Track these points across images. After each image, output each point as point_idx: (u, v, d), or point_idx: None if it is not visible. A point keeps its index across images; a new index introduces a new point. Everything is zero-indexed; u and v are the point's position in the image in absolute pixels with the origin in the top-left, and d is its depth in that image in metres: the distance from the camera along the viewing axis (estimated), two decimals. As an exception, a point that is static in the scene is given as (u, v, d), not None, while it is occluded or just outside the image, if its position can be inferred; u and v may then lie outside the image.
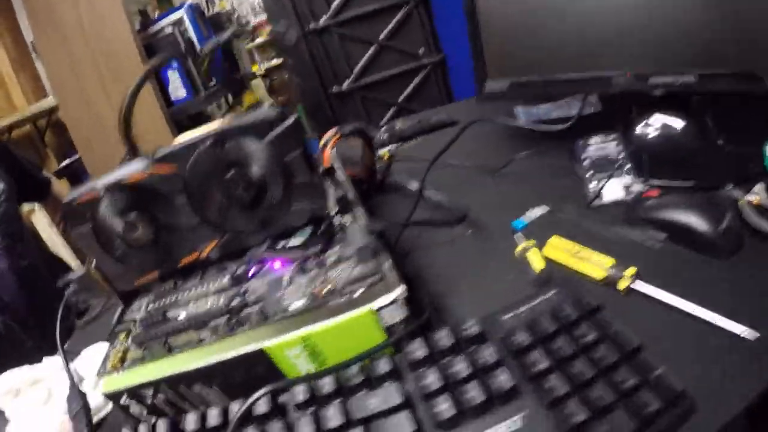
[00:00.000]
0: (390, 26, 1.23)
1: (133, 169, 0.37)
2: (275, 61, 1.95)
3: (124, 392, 0.35)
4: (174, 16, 1.65)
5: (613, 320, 0.32)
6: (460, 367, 0.31)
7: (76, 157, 1.94)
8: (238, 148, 0.36)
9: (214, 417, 0.33)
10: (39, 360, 0.54)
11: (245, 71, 1.98)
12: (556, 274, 0.37)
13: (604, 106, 0.58)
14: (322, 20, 1.20)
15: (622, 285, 0.35)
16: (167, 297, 0.39)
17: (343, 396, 0.32)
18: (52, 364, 0.49)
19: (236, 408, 0.33)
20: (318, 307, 0.33)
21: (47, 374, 0.48)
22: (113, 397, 0.36)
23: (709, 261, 0.37)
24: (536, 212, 0.44)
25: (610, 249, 0.37)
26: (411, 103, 1.31)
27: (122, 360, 0.37)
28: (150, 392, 0.35)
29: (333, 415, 0.31)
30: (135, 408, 0.36)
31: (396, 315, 0.32)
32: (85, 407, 0.37)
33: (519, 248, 0.41)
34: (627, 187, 0.43)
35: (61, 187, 1.10)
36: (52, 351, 0.70)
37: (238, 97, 1.92)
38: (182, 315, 0.37)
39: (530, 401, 0.29)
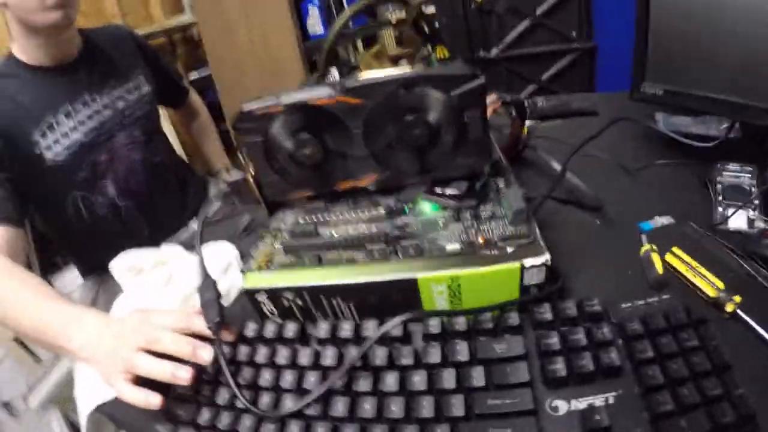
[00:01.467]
0: (549, 3, 1.23)
1: (320, 93, 0.43)
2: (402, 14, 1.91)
3: (265, 291, 0.44)
4: None
5: (717, 335, 0.40)
6: (579, 336, 0.39)
7: (207, 73, 2.13)
8: (423, 95, 0.41)
9: (346, 330, 0.42)
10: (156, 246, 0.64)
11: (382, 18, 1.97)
12: (673, 280, 0.44)
13: (746, 135, 0.62)
14: None
15: (729, 308, 0.42)
16: (318, 214, 0.47)
17: (471, 337, 0.41)
18: (174, 250, 0.58)
19: (371, 326, 0.42)
20: (471, 254, 0.41)
21: (169, 259, 0.57)
22: (252, 293, 0.44)
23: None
24: (662, 220, 0.50)
25: (722, 274, 0.44)
26: (553, 84, 1.35)
27: (268, 262, 0.46)
28: (290, 296, 0.44)
29: (460, 351, 0.39)
30: (268, 307, 0.45)
31: (537, 277, 0.40)
32: (218, 296, 0.45)
33: (644, 248, 0.47)
34: (752, 221, 0.48)
35: (195, 98, 1.24)
36: (165, 240, 0.81)
37: (372, 44, 1.93)
38: (335, 233, 0.45)
39: (629, 382, 0.38)
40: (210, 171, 1.23)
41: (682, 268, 0.45)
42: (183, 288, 0.53)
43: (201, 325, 0.44)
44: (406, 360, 0.40)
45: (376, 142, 0.44)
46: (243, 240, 0.62)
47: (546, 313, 0.41)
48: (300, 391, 0.40)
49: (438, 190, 0.45)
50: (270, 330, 0.44)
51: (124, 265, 0.57)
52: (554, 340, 0.39)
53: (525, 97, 0.72)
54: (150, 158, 0.97)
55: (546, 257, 0.39)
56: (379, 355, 0.40)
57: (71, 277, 1.08)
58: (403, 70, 0.43)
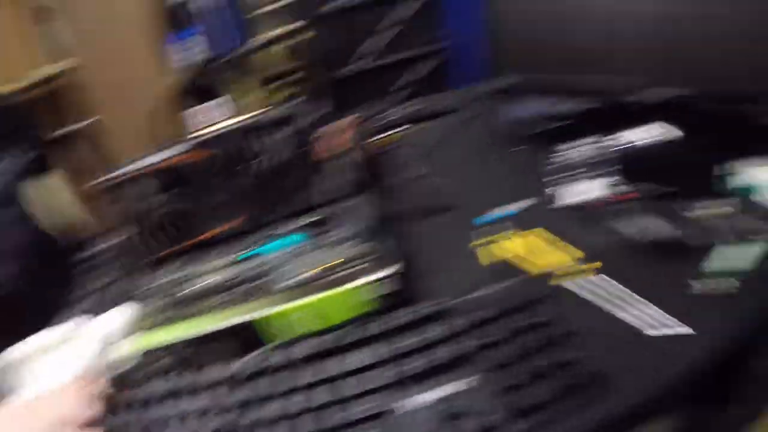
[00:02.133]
0: (399, 13, 1.30)
1: (174, 152, 0.48)
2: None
3: (155, 349, 0.48)
4: None
5: (547, 311, 0.44)
6: (429, 334, 0.44)
7: (77, 126, 1.99)
8: (266, 138, 0.46)
9: (216, 373, 0.46)
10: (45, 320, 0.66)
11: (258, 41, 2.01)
12: (505, 268, 0.49)
13: (592, 111, 0.66)
14: (331, 4, 1.28)
15: (554, 280, 0.47)
16: (191, 267, 0.52)
17: (338, 353, 0.46)
18: (69, 326, 0.62)
19: (255, 360, 0.46)
20: (323, 279, 0.46)
21: (66, 337, 0.60)
22: (144, 353, 0.49)
23: (657, 264, 0.48)
24: (516, 206, 0.55)
25: (566, 247, 0.49)
26: (417, 88, 1.41)
27: (153, 321, 0.51)
28: (178, 349, 0.49)
29: (331, 368, 0.44)
30: (164, 361, 0.50)
31: (388, 287, 0.45)
32: (114, 361, 0.49)
33: (478, 241, 0.52)
34: (602, 189, 0.53)
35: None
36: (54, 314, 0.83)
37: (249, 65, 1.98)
38: (207, 282, 0.50)
39: (481, 367, 0.43)
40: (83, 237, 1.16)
41: (518, 252, 0.50)
42: (80, 363, 0.55)
43: (102, 394, 0.47)
44: (285, 386, 0.45)
45: (231, 188, 0.49)
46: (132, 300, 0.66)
47: (399, 318, 0.45)
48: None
49: (296, 222, 0.50)
50: (164, 385, 0.48)
51: (19, 353, 0.58)
52: (406, 342, 0.44)
53: (386, 107, 0.76)
54: (18, 238, 0.92)
55: (393, 269, 0.44)
56: (263, 387, 0.45)
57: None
58: (246, 116, 0.48)
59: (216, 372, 0.47)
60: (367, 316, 0.46)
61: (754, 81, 0.50)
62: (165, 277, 0.55)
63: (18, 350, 0.58)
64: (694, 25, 0.51)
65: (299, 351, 0.46)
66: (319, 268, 0.46)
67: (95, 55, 1.75)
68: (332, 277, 0.46)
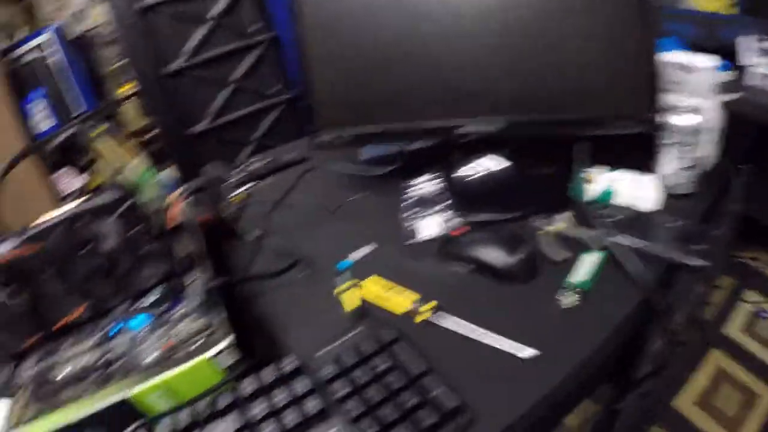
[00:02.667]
0: (243, 67, 1.37)
1: (4, 248, 0.48)
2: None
3: None
4: (39, 40, 1.63)
5: (407, 350, 0.46)
6: (280, 397, 0.45)
7: None
8: (89, 227, 0.48)
9: None
10: None
11: (114, 96, 1.99)
12: (368, 311, 0.51)
13: (430, 147, 0.70)
14: (176, 63, 1.32)
15: (418, 319, 0.49)
16: (52, 356, 0.52)
17: (198, 427, 0.47)
18: None
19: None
20: (167, 359, 0.47)
21: None
22: None
23: (506, 289, 0.51)
24: (362, 252, 0.57)
25: (420, 284, 0.51)
26: (266, 140, 1.47)
27: (20, 419, 0.51)
28: None
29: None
30: None
31: (229, 359, 0.46)
32: None
33: (337, 290, 0.54)
34: (445, 224, 0.56)
35: None
36: None
37: (111, 121, 1.93)
38: (65, 372, 0.50)
39: (337, 421, 0.44)
40: None
41: (375, 295, 0.52)
42: None
43: None
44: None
45: (69, 278, 0.50)
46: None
47: (249, 386, 0.46)
48: None
49: (138, 303, 0.52)
50: None
51: None
52: (258, 409, 0.45)
53: (242, 161, 0.79)
54: None
55: (227, 341, 0.46)
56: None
57: None
58: (68, 207, 0.49)
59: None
60: (220, 386, 0.47)
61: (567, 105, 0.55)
62: (26, 370, 0.55)
63: None
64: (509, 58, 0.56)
65: (162, 428, 0.47)
66: (163, 348, 0.47)
67: None
68: (177, 355, 0.47)
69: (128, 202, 0.47)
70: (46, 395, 0.50)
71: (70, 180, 1.74)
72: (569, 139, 0.55)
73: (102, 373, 0.48)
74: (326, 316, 0.53)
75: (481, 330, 0.48)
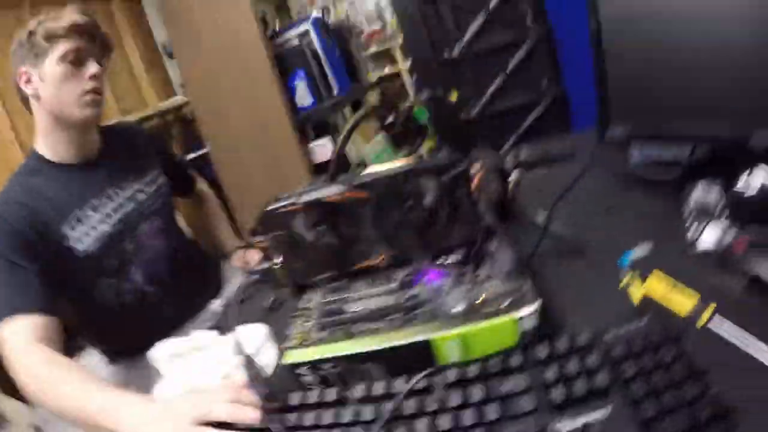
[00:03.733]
0: (516, 59, 1.46)
1: (331, 191, 0.59)
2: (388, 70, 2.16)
3: (307, 365, 0.59)
4: (300, 29, 2.02)
5: (689, 347, 0.52)
6: (571, 367, 0.53)
7: (203, 151, 2.48)
8: (418, 184, 0.57)
9: (379, 389, 0.55)
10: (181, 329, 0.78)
11: (365, 81, 2.51)
12: (651, 305, 0.56)
13: (713, 154, 0.74)
14: (456, 50, 1.54)
15: (700, 322, 0.55)
16: (340, 293, 0.63)
17: (483, 381, 0.55)
18: (208, 335, 0.74)
19: (399, 383, 0.56)
20: (474, 312, 0.55)
21: (205, 343, 0.73)
22: (294, 367, 0.59)
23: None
24: (642, 250, 0.62)
25: (700, 289, 0.56)
26: (531, 132, 1.63)
27: (304, 339, 0.61)
28: (328, 366, 0.58)
29: (475, 393, 0.53)
30: (307, 378, 0.60)
31: (532, 322, 0.54)
32: (261, 371, 0.59)
33: (623, 282, 0.60)
34: (723, 235, 0.59)
35: (202, 185, 1.45)
36: (188, 321, 0.95)
37: (359, 105, 2.26)
38: (357, 308, 0.60)
39: (618, 398, 0.50)
40: (222, 253, 1.38)
41: (658, 291, 0.58)
42: (221, 369, 0.68)
43: (250, 397, 0.56)
44: (431, 407, 0.54)
45: (382, 226, 0.59)
46: (269, 318, 0.77)
47: (542, 351, 0.54)
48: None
49: (440, 260, 0.60)
50: (313, 397, 0.58)
51: (163, 352, 0.71)
52: (550, 373, 0.52)
53: (507, 149, 0.87)
54: (171, 245, 1.15)
55: (536, 306, 0.53)
56: (410, 406, 0.55)
57: (93, 361, 1.22)
58: (400, 163, 0.59)
59: (361, 389, 0.57)
60: (511, 349, 0.55)
61: None
62: (317, 300, 0.65)
63: (160, 350, 0.70)
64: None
65: (448, 376, 0.55)
66: (470, 303, 0.56)
67: (213, 91, 2.07)
68: (484, 310, 0.55)
69: (458, 168, 0.56)
70: (333, 324, 0.60)
71: (323, 150, 2.11)
72: None
73: (402, 316, 0.57)
74: (610, 305, 0.59)
75: (759, 344, 0.52)
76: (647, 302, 0.58)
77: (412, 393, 0.54)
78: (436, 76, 1.59)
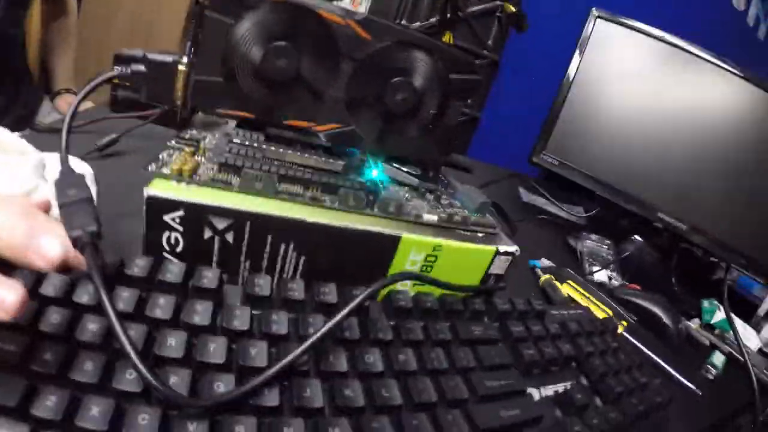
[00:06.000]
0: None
1: (332, 8, 0.41)
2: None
3: (185, 208, 0.34)
4: None
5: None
6: (539, 328, 0.45)
7: None
8: (427, 61, 0.45)
9: (296, 292, 0.35)
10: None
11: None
12: (574, 303, 0.57)
13: (604, 216, 0.92)
14: None
15: (620, 329, 0.56)
16: (253, 144, 0.42)
17: (442, 317, 0.41)
18: (10, 135, 0.40)
19: (331, 290, 0.37)
20: (448, 228, 0.43)
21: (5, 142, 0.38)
22: (160, 207, 0.34)
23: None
24: (547, 262, 0.65)
25: (604, 306, 0.59)
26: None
27: (191, 171, 0.37)
28: (222, 224, 0.35)
29: (443, 331, 0.39)
30: (173, 235, 0.35)
31: (500, 267, 0.45)
32: (90, 197, 0.32)
33: (544, 278, 0.60)
34: (609, 278, 0.69)
35: None
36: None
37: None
38: (277, 164, 0.40)
39: (578, 372, 0.45)
40: (49, 88, 1.22)
41: (577, 295, 0.58)
42: (22, 182, 0.36)
43: (56, 231, 0.28)
44: (383, 336, 0.36)
45: (359, 89, 0.44)
46: (94, 161, 0.50)
47: (505, 304, 0.45)
48: (236, 369, 0.30)
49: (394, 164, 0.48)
50: (175, 271, 0.33)
51: None
52: (521, 329, 0.43)
53: None
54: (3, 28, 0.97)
55: (515, 247, 0.45)
56: (351, 326, 0.35)
57: None
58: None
59: (266, 282, 0.35)
60: (472, 287, 0.44)
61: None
62: (213, 140, 0.41)
63: None
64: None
65: (405, 300, 0.40)
66: (442, 218, 0.44)
67: None
68: (456, 231, 0.44)
69: (471, 75, 0.48)
70: (246, 170, 0.39)
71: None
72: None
73: (359, 195, 0.41)
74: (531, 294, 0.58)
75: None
76: (569, 300, 0.57)
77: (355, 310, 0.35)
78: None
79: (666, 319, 0.63)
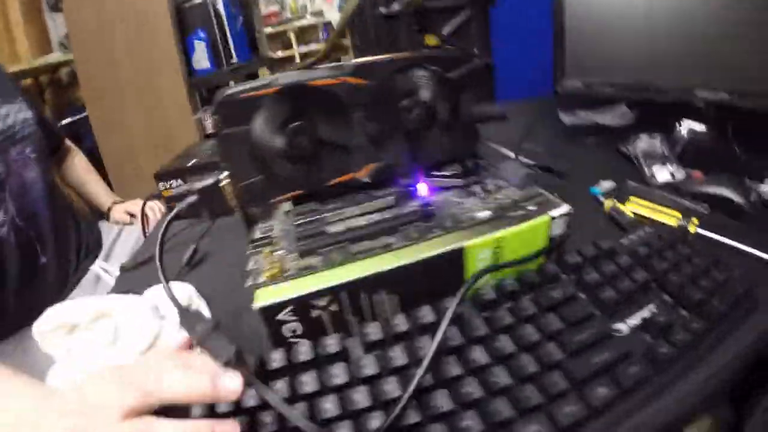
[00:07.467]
0: (453, 24, 1.63)
1: (321, 74, 0.48)
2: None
3: (292, 303, 0.45)
4: None
5: (692, 246, 0.57)
6: (610, 267, 0.51)
7: (82, 115, 2.37)
8: (424, 76, 0.51)
9: (401, 325, 0.46)
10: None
11: (264, 56, 2.66)
12: (643, 221, 0.62)
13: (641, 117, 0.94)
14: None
15: (692, 229, 0.61)
16: (312, 216, 0.51)
17: (527, 293, 0.49)
18: (113, 298, 0.52)
19: (427, 311, 0.46)
20: (501, 217, 0.51)
21: (110, 308, 0.51)
22: (271, 312, 0.45)
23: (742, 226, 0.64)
24: (606, 185, 0.71)
25: (677, 210, 0.64)
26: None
27: (280, 272, 0.47)
28: (323, 302, 0.46)
29: (527, 306, 0.47)
30: (290, 326, 0.46)
31: (560, 227, 0.52)
32: (216, 324, 0.41)
33: (608, 203, 0.65)
34: (672, 174, 0.73)
35: (70, 144, 1.41)
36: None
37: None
38: (343, 229, 0.49)
39: (659, 292, 0.51)
40: (98, 210, 1.38)
41: (644, 211, 0.64)
42: (136, 342, 0.48)
43: (207, 363, 0.39)
44: (480, 332, 0.45)
45: (376, 126, 0.51)
46: (188, 275, 0.60)
47: (573, 257, 0.52)
48: (381, 406, 0.40)
49: (436, 174, 0.56)
50: (304, 352, 0.44)
51: (51, 323, 0.48)
52: (594, 275, 0.51)
53: None
54: (45, 179, 1.08)
55: (568, 207, 0.52)
56: (454, 335, 0.45)
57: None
58: (407, 53, 0.53)
59: (376, 329, 0.45)
60: (541, 253, 0.52)
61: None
62: (281, 227, 0.51)
63: (48, 321, 0.46)
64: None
65: (486, 295, 0.48)
66: (494, 209, 0.51)
67: (103, 45, 2.02)
68: (509, 215, 0.51)
69: (472, 64, 0.53)
70: (320, 248, 0.48)
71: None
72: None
73: (415, 228, 0.49)
74: (599, 224, 0.64)
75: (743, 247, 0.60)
76: (637, 220, 0.62)
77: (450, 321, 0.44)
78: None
79: (736, 198, 0.65)
